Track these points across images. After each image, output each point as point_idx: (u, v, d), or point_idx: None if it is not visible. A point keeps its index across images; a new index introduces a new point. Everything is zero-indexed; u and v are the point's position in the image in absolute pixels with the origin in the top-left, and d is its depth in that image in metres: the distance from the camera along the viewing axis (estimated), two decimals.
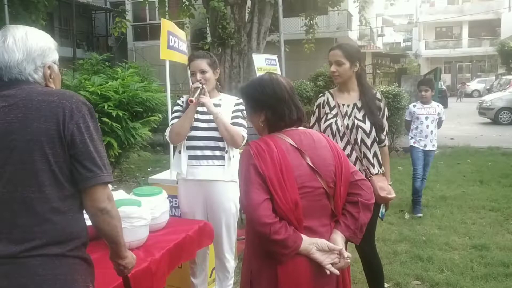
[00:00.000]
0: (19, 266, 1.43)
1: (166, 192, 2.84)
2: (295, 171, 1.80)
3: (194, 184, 2.95)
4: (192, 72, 2.95)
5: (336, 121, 2.87)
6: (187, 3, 12.04)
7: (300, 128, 1.96)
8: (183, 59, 3.88)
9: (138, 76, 8.23)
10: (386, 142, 2.98)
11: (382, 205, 2.98)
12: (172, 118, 2.98)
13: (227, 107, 2.97)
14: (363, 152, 2.85)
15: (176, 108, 3.02)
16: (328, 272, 1.79)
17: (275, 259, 1.80)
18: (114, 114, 6.46)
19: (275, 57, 8.03)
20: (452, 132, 12.99)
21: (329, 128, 2.87)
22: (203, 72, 2.91)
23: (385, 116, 2.94)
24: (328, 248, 1.81)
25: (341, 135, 2.85)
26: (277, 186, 1.76)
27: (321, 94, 3.06)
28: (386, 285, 3.67)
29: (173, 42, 3.67)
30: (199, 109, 2.94)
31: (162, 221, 2.68)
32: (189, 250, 2.65)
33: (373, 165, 2.86)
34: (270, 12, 11.81)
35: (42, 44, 1.59)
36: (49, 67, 1.62)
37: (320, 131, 2.78)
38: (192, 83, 2.93)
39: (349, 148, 2.83)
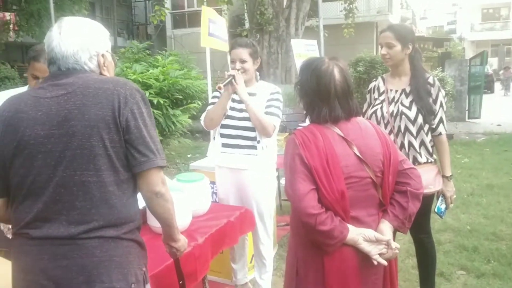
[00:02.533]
0: (78, 247, 1.49)
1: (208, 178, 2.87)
2: (342, 161, 1.78)
3: (227, 171, 3.00)
4: (232, 59, 2.94)
5: (381, 108, 2.78)
6: None
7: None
8: (223, 46, 3.89)
9: (178, 63, 8.32)
10: (441, 130, 2.75)
11: (440, 199, 2.83)
12: (209, 104, 3.02)
13: (262, 96, 2.95)
14: (409, 140, 2.73)
15: (214, 94, 3.05)
16: (375, 263, 1.77)
17: (321, 249, 1.79)
18: (155, 102, 6.57)
19: (314, 42, 7.91)
20: (499, 119, 12.52)
21: (374, 115, 2.80)
22: (242, 61, 2.90)
23: (439, 102, 2.73)
24: (375, 239, 1.79)
25: (385, 122, 2.76)
26: (323, 176, 1.75)
27: (374, 79, 2.98)
28: None
29: (214, 29, 3.67)
30: (235, 97, 2.94)
31: (204, 207, 2.72)
32: (231, 236, 2.67)
33: (420, 154, 2.73)
34: None
35: (95, 33, 1.66)
36: (103, 56, 1.67)
37: (367, 118, 2.74)
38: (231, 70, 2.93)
39: (392, 136, 2.72)
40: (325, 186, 1.74)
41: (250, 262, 3.38)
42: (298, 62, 6.12)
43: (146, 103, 1.62)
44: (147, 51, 9.16)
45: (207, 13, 3.63)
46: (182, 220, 2.44)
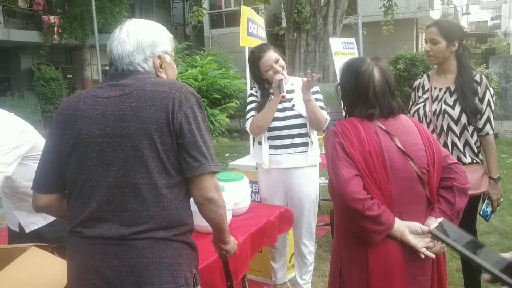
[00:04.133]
0: (129, 247, 1.51)
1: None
2: (385, 154, 1.75)
3: (276, 172, 2.96)
4: (267, 67, 2.86)
5: (424, 106, 2.71)
6: None
7: None
8: None
9: (216, 63, 8.41)
10: (488, 130, 2.63)
11: (486, 201, 2.72)
12: (250, 110, 2.97)
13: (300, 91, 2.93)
14: (452, 140, 2.64)
15: (251, 99, 3.01)
16: (422, 256, 1.72)
17: (365, 245, 1.76)
18: None
19: (352, 40, 7.80)
20: None
21: (416, 113, 2.73)
22: (277, 61, 2.87)
23: (486, 101, 2.60)
24: (422, 231, 1.74)
25: (427, 121, 2.68)
26: (365, 167, 1.72)
27: (420, 76, 2.90)
28: None
29: (252, 28, 3.68)
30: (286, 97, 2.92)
31: (244, 206, 2.73)
32: (270, 235, 2.68)
33: (464, 154, 2.64)
34: None
35: (152, 35, 1.66)
36: (159, 57, 1.67)
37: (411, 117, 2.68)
38: (270, 77, 2.87)
39: (435, 136, 2.62)
40: (367, 175, 1.72)
41: (290, 262, 3.38)
42: (337, 60, 6.06)
43: (201, 107, 1.61)
44: (186, 51, 9.29)
45: (246, 12, 3.64)
46: None
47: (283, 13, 14.68)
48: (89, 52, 18.14)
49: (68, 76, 17.10)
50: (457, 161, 1.90)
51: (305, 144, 2.90)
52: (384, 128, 1.79)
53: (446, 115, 2.62)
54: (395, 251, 1.75)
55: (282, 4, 13.41)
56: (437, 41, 2.61)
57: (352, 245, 1.83)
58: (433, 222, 1.77)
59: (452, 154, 2.59)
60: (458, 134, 2.63)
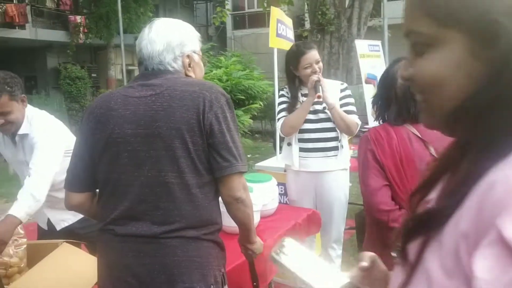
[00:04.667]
0: (160, 245, 1.52)
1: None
2: (417, 161, 1.71)
3: (305, 175, 2.95)
4: (307, 65, 2.85)
5: None
6: None
7: None
8: (290, 46, 3.87)
9: (240, 64, 8.41)
10: None
11: None
12: (281, 110, 2.96)
13: (331, 92, 2.91)
14: None
15: (282, 99, 3.00)
16: None
17: (391, 255, 1.73)
18: None
19: (378, 43, 7.72)
20: None
21: None
22: (318, 62, 2.86)
23: None
24: None
25: None
26: (396, 176, 1.69)
27: None
28: None
29: (282, 29, 3.66)
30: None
31: (272, 207, 2.72)
32: (298, 238, 2.65)
33: None
34: None
35: (181, 34, 1.67)
36: (188, 56, 1.68)
37: None
38: (306, 76, 2.87)
39: None
40: (398, 184, 1.69)
41: None
42: (362, 62, 6.00)
43: (231, 107, 1.61)
44: (210, 52, 9.33)
45: (276, 13, 3.62)
46: None
47: (306, 15, 14.62)
48: (114, 52, 18.36)
49: (92, 75, 17.32)
50: None
51: (335, 148, 2.89)
52: (419, 134, 1.75)
53: None
54: None
55: (306, 5, 13.35)
56: None
57: (379, 252, 1.80)
58: None
59: None
60: None
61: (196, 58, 1.73)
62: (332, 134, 2.89)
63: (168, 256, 1.52)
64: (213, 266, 1.60)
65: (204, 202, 1.57)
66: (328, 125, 2.88)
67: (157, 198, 1.53)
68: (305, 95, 2.95)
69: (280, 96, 3.05)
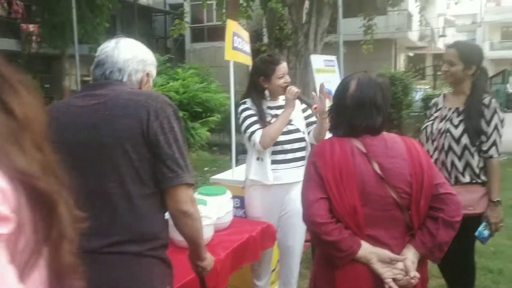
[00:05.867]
0: (99, 261, 1.46)
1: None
2: (358, 176, 1.71)
3: (276, 188, 2.90)
4: (281, 75, 2.86)
5: (432, 124, 2.76)
6: (244, 4, 12.12)
7: (383, 133, 1.84)
8: (246, 60, 3.89)
9: (198, 77, 8.39)
10: (493, 153, 2.58)
11: (484, 224, 2.62)
12: (253, 123, 2.85)
13: (297, 104, 2.96)
14: (452, 160, 2.64)
15: (249, 112, 2.90)
16: (386, 287, 1.67)
17: (333, 266, 1.73)
18: None
19: (333, 58, 7.88)
20: None
21: (424, 131, 2.80)
22: (286, 74, 2.89)
23: (493, 125, 2.57)
24: (390, 260, 1.69)
25: (433, 139, 2.73)
26: (334, 188, 1.69)
27: (437, 95, 2.99)
28: None
29: (238, 42, 3.67)
30: (278, 112, 2.92)
31: (226, 221, 2.70)
32: (252, 251, 2.64)
33: (462, 174, 2.63)
34: (328, 13, 11.67)
35: (144, 52, 1.72)
36: (147, 75, 1.71)
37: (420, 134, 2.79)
38: (278, 85, 2.87)
39: (436, 153, 2.70)
40: (336, 198, 1.69)
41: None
42: (318, 77, 6.10)
43: (178, 118, 1.59)
44: (168, 64, 9.25)
45: (232, 26, 3.63)
46: (204, 234, 2.42)
47: (264, 30, 14.80)
48: (68, 62, 17.92)
49: (45, 85, 16.82)
50: (451, 192, 1.78)
51: (303, 158, 2.91)
52: (363, 149, 1.76)
53: (448, 134, 2.64)
54: (364, 275, 1.70)
55: (264, 20, 13.53)
56: (454, 63, 2.63)
57: (322, 260, 1.81)
58: (410, 253, 1.73)
59: (451, 174, 2.63)
60: (458, 154, 2.63)
61: (151, 82, 1.75)
62: (301, 144, 2.91)
63: (107, 273, 1.46)
64: (155, 283, 1.54)
65: (148, 214, 1.52)
66: (297, 135, 2.90)
67: (97, 209, 1.47)
68: (271, 108, 2.94)
69: (245, 110, 2.93)
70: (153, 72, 1.76)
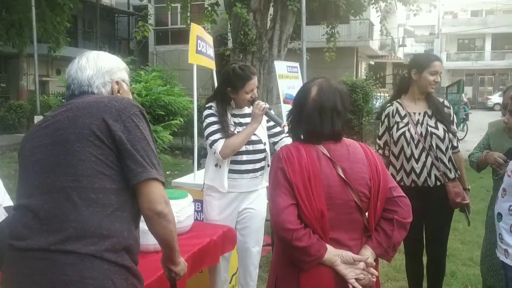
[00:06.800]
0: (51, 262, 1.42)
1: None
2: (325, 181, 1.76)
3: (232, 195, 2.92)
4: (251, 89, 2.84)
5: (409, 129, 2.98)
6: (209, 8, 12.12)
7: (343, 138, 1.89)
8: (210, 64, 3.89)
9: (161, 79, 8.30)
10: (459, 147, 3.13)
11: (465, 210, 3.12)
12: (215, 132, 2.82)
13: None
14: (439, 157, 2.97)
15: (213, 119, 2.86)
16: (350, 287, 1.73)
17: (297, 267, 1.76)
18: None
19: (297, 64, 7.98)
20: (474, 145, 12.78)
21: (402, 137, 2.98)
22: (255, 88, 2.87)
23: (454, 123, 3.08)
24: (353, 260, 1.75)
25: (415, 142, 2.96)
26: (303, 193, 1.72)
27: (389, 104, 3.17)
28: None
29: (202, 46, 3.67)
30: (242, 120, 2.93)
31: (187, 224, 2.69)
32: (212, 255, 2.64)
33: (449, 170, 2.98)
34: (292, 20, 11.82)
35: (111, 62, 1.74)
36: (117, 83, 1.72)
37: (394, 140, 3.00)
38: (244, 100, 2.87)
39: (424, 154, 2.96)
40: (304, 202, 1.72)
41: (230, 282, 3.33)
42: (281, 83, 6.17)
43: (144, 118, 1.61)
44: (130, 66, 9.12)
45: (196, 30, 3.63)
46: None
47: (229, 34, 14.82)
48: (26, 61, 17.38)
49: (1, 85, 16.24)
50: (403, 195, 1.88)
51: (263, 168, 2.94)
52: (328, 154, 1.80)
53: (433, 135, 2.95)
54: (327, 277, 1.75)
55: (228, 25, 13.54)
56: (440, 74, 3.00)
57: (287, 266, 1.83)
58: (368, 253, 1.80)
59: (440, 171, 2.95)
60: (444, 151, 2.97)
61: (125, 87, 1.77)
62: (261, 156, 2.93)
63: (58, 274, 1.40)
64: None
65: (107, 209, 1.48)
66: (258, 147, 2.91)
67: (54, 205, 1.47)
68: (235, 116, 2.93)
69: (209, 115, 2.89)
70: (124, 76, 1.77)
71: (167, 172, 8.68)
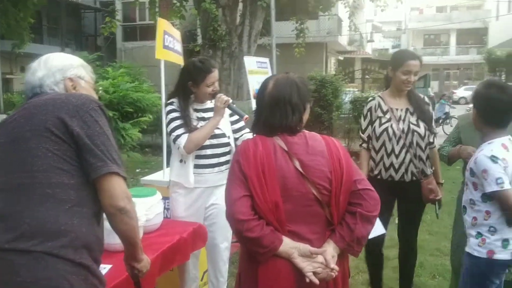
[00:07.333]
0: (5, 262, 1.38)
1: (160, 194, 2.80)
2: (280, 173, 1.75)
3: (199, 191, 2.90)
4: (212, 82, 2.84)
5: (391, 125, 3.03)
6: (178, 4, 11.99)
7: (303, 131, 1.89)
8: (178, 59, 3.84)
9: (129, 76, 8.18)
10: (436, 143, 3.20)
11: (436, 203, 3.20)
12: (178, 127, 2.80)
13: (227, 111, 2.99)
14: (418, 155, 3.04)
15: (175, 114, 2.85)
16: (307, 280, 1.71)
17: (256, 262, 1.76)
18: None
19: (266, 60, 7.97)
20: (439, 139, 13.07)
21: (385, 132, 3.03)
22: (216, 81, 2.87)
23: (433, 120, 3.15)
24: (310, 253, 1.73)
25: (397, 138, 3.01)
26: (257, 185, 1.72)
27: (371, 98, 3.22)
28: None
29: (169, 41, 3.62)
30: (204, 115, 2.91)
31: (156, 222, 2.65)
32: (183, 253, 2.61)
33: (427, 167, 3.07)
34: (261, 15, 11.81)
35: (62, 61, 1.73)
36: (71, 79, 1.70)
37: (376, 135, 3.05)
38: (206, 93, 2.86)
39: (404, 151, 3.02)
40: (258, 195, 1.72)
41: (202, 280, 3.31)
42: (251, 78, 6.15)
43: (104, 113, 1.59)
44: (97, 63, 8.94)
45: (163, 25, 3.57)
46: None
47: (198, 30, 14.70)
48: None
49: None
50: (369, 188, 1.86)
51: (228, 162, 2.91)
52: (285, 147, 1.80)
53: (415, 133, 3.02)
54: (285, 269, 1.74)
55: (198, 21, 13.43)
56: (418, 72, 3.04)
57: (246, 257, 1.84)
58: (330, 247, 1.78)
59: (418, 167, 3.03)
60: (423, 148, 3.05)
61: (83, 83, 1.74)
62: (225, 149, 2.92)
63: (11, 275, 1.36)
64: None
65: (64, 204, 1.45)
66: (222, 140, 2.90)
67: (10, 201, 1.44)
68: (197, 110, 2.91)
69: (171, 111, 2.87)
70: (81, 73, 1.75)
71: (137, 170, 8.56)
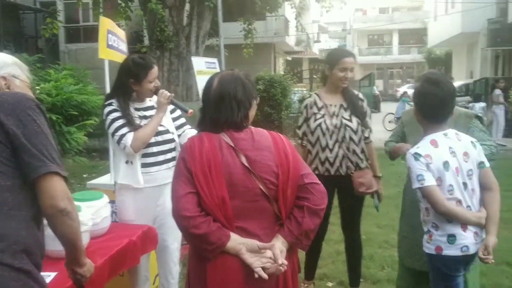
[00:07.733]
0: None
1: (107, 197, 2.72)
2: (226, 169, 1.75)
3: (149, 190, 2.83)
4: (153, 79, 2.80)
5: (325, 121, 3.12)
6: (123, 5, 11.71)
7: (250, 127, 1.89)
8: (122, 59, 3.74)
9: (73, 78, 7.91)
10: (372, 138, 3.32)
11: (375, 196, 3.33)
12: (121, 126, 2.72)
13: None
14: (352, 149, 3.15)
15: (116, 114, 2.76)
16: (256, 276, 1.71)
17: (204, 259, 1.75)
18: None
19: (215, 60, 7.95)
20: (382, 135, 13.52)
21: (319, 127, 3.13)
22: (156, 77, 2.83)
23: (368, 115, 3.27)
24: (259, 248, 1.74)
25: (330, 133, 3.11)
26: (203, 182, 1.72)
27: (308, 96, 3.32)
28: (330, 283, 3.74)
29: (113, 41, 3.53)
30: (145, 113, 2.86)
31: (103, 226, 2.57)
32: (132, 256, 2.54)
33: (361, 160, 3.19)
34: (209, 16, 11.76)
35: None
36: (4, 78, 1.64)
37: (311, 131, 3.15)
38: (148, 90, 2.82)
39: (337, 145, 3.13)
40: (204, 191, 1.71)
41: (154, 283, 3.25)
42: (199, 79, 6.11)
43: (41, 112, 1.53)
44: (38, 65, 8.60)
45: (106, 24, 3.48)
46: None
47: (145, 31, 14.44)
48: None
49: None
50: (316, 181, 1.87)
51: (174, 159, 2.86)
52: (231, 143, 1.80)
53: (347, 127, 3.10)
54: (234, 266, 1.74)
55: (144, 22, 13.19)
56: (353, 69, 3.14)
57: (195, 258, 1.83)
58: (278, 242, 1.79)
59: (353, 161, 3.14)
60: (357, 142, 3.14)
61: (17, 82, 1.68)
62: (171, 146, 2.88)
63: None
64: None
65: (2, 208, 1.39)
66: (166, 137, 2.86)
67: None
68: (138, 109, 2.85)
69: (111, 112, 2.78)
70: (15, 72, 1.69)
71: (84, 176, 8.28)
